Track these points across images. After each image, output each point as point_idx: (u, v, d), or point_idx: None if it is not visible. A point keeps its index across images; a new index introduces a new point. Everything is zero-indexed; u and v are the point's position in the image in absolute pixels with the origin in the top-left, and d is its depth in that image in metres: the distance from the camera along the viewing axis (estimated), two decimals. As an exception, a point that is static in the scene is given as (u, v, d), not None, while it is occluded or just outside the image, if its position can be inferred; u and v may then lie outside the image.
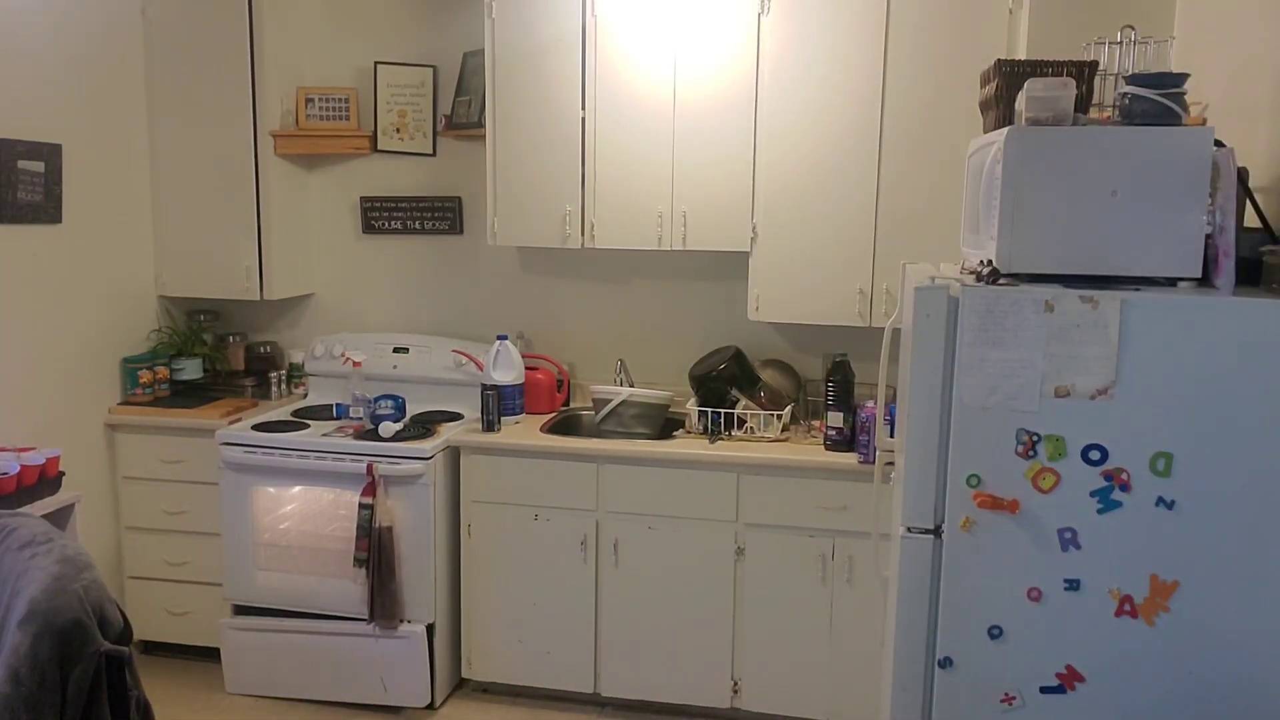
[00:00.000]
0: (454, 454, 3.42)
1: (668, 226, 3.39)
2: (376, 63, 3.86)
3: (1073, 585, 1.89)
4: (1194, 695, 1.88)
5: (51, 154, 3.31)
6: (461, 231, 3.93)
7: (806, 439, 3.33)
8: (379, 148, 3.92)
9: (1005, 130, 1.87)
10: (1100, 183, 1.82)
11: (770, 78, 3.24)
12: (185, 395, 3.80)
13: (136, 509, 3.69)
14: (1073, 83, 1.88)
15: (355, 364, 3.74)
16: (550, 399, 3.73)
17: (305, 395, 3.93)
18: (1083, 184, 1.83)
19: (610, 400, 3.45)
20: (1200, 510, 1.83)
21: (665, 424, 3.48)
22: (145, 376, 3.72)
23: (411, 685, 3.36)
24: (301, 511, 3.45)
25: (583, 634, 3.36)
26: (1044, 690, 1.93)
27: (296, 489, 3.44)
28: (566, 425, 3.63)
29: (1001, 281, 1.89)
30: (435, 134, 3.88)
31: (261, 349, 4.04)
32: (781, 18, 3.20)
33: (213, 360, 3.97)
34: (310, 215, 4.03)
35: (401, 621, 3.35)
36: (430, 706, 3.41)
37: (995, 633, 1.94)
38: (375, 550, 3.26)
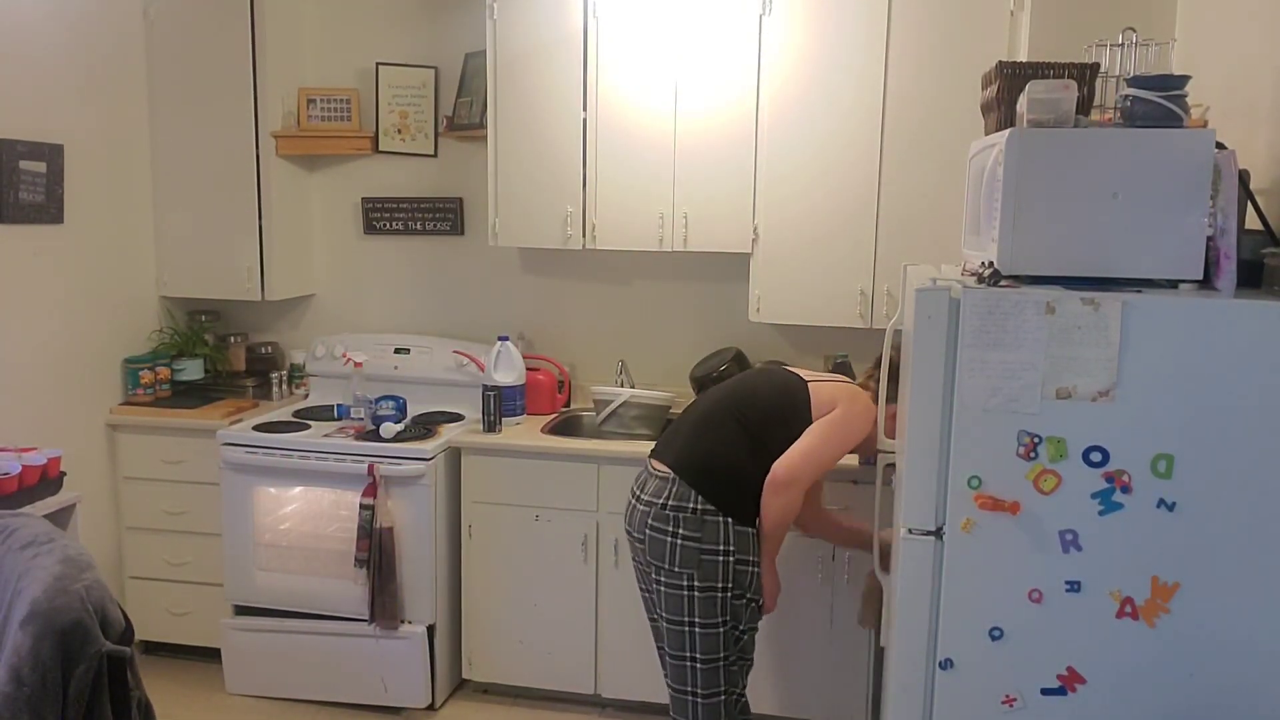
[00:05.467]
0: (455, 455, 3.42)
1: (669, 228, 3.39)
2: (378, 64, 3.86)
3: (1074, 587, 1.89)
4: (1194, 697, 1.88)
5: (53, 154, 3.31)
6: (462, 232, 3.93)
7: (807, 440, 3.33)
8: (380, 148, 3.92)
9: (1007, 132, 1.87)
10: (1101, 185, 1.82)
11: (771, 78, 3.24)
12: (186, 396, 3.80)
13: (137, 509, 3.69)
14: (1074, 85, 1.87)
15: (356, 365, 3.74)
16: (551, 400, 3.73)
17: (306, 396, 3.94)
18: (1084, 186, 1.83)
19: (611, 401, 3.45)
20: (1201, 512, 1.83)
21: (666, 425, 3.47)
22: (146, 377, 3.72)
23: (412, 686, 3.36)
24: (302, 512, 3.45)
25: (583, 635, 3.36)
26: (1045, 692, 1.93)
27: (297, 489, 3.44)
28: (567, 426, 3.63)
29: (1003, 283, 1.89)
30: (436, 135, 3.88)
31: (262, 349, 4.04)
32: (783, 18, 3.21)
33: (214, 361, 3.97)
34: (311, 216, 4.04)
35: (402, 622, 3.36)
36: (431, 707, 3.41)
37: (996, 634, 1.94)
38: (376, 551, 3.26)
